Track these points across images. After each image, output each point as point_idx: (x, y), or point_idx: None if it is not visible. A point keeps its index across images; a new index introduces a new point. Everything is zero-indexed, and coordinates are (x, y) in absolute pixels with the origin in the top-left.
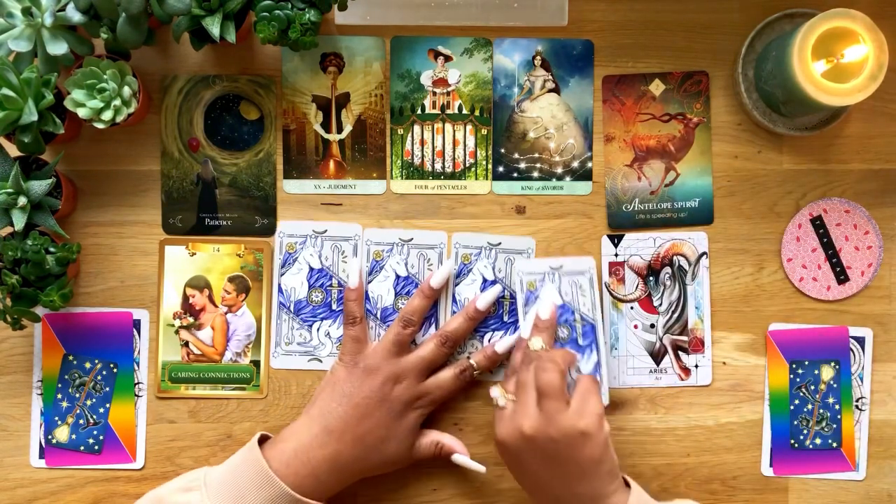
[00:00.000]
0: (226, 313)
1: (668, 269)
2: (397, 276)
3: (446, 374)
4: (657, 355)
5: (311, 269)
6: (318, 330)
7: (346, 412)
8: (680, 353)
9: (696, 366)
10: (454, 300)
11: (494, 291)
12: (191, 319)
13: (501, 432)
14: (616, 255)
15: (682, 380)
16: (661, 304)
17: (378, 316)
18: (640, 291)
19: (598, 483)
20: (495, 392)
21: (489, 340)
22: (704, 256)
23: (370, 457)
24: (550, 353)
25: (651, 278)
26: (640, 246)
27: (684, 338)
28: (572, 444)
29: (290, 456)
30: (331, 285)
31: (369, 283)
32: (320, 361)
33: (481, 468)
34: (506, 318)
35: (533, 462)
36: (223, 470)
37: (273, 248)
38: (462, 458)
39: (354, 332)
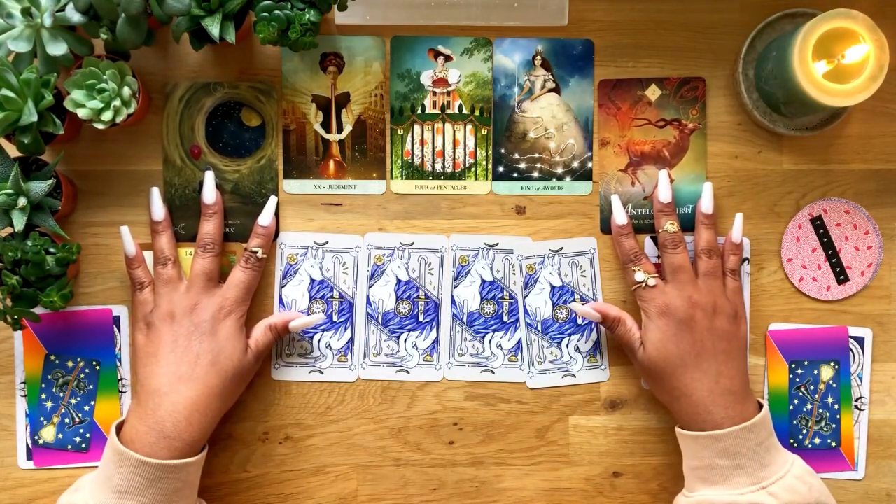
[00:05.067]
0: None
1: None
2: (398, 281)
3: (234, 273)
4: None
5: (312, 280)
6: (318, 341)
7: (167, 366)
8: None
9: None
10: (453, 302)
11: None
12: None
13: (671, 301)
14: (658, 256)
15: None
16: None
17: (379, 321)
18: None
19: (744, 373)
20: (641, 275)
21: (490, 341)
22: (746, 262)
23: (211, 383)
24: (712, 240)
25: None
26: None
27: None
28: (732, 320)
29: (137, 428)
30: (332, 297)
31: (370, 287)
32: (321, 373)
33: (321, 317)
34: (506, 319)
35: (700, 328)
36: (100, 463)
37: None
38: (297, 321)
39: (143, 296)
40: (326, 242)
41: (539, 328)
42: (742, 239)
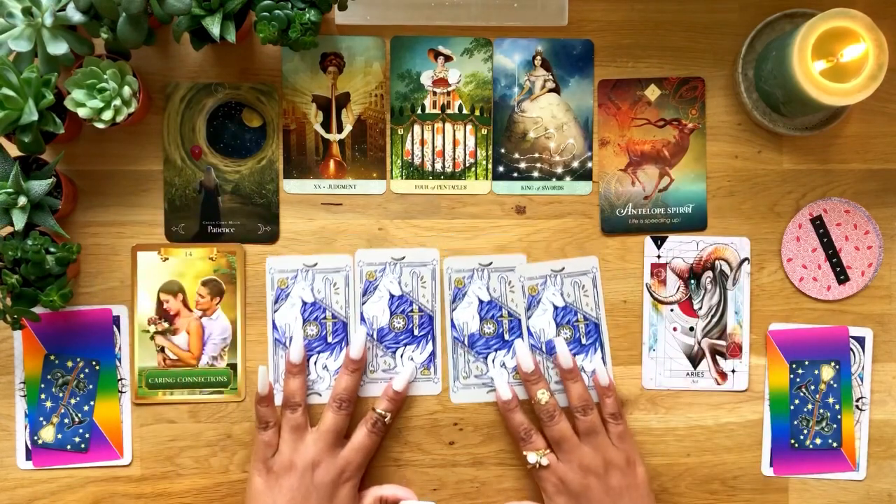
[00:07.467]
0: (200, 317)
1: (709, 273)
2: (391, 296)
3: (359, 436)
4: (695, 359)
5: (304, 303)
6: (314, 363)
7: None
8: (717, 357)
9: (734, 371)
10: (453, 325)
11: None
12: (166, 325)
13: (563, 476)
14: (658, 256)
15: (719, 384)
16: (700, 308)
17: (374, 336)
18: (680, 294)
19: None
20: (533, 457)
21: (493, 361)
22: (746, 262)
23: None
24: (583, 393)
25: (692, 281)
26: (683, 249)
27: (722, 342)
28: (626, 470)
29: None
30: (325, 318)
31: (364, 304)
32: (319, 395)
33: None
34: (507, 337)
35: (597, 495)
36: None
37: (244, 253)
38: (409, 503)
39: (267, 437)
40: (315, 264)
41: (543, 348)
42: (610, 380)
